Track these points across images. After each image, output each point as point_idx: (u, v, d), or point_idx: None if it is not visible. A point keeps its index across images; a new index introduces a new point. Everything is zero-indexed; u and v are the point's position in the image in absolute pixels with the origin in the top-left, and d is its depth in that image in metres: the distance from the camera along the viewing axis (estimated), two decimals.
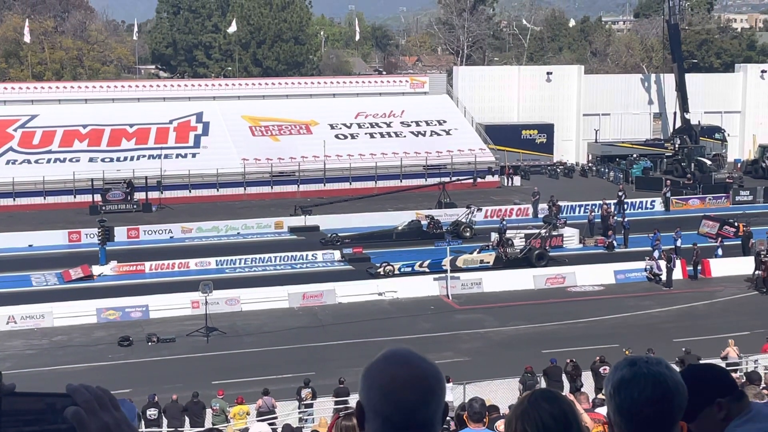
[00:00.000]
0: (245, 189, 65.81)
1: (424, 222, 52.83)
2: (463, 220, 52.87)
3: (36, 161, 64.98)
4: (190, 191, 64.59)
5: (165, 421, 26.68)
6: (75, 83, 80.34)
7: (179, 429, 25.85)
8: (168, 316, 38.71)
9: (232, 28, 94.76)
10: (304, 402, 27.09)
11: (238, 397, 26.98)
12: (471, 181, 65.53)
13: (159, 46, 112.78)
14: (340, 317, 39.01)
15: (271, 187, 66.34)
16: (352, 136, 72.17)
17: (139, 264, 45.87)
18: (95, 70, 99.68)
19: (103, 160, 65.71)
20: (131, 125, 69.34)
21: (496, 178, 70.10)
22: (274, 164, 67.12)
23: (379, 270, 44.20)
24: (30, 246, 50.40)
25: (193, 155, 67.65)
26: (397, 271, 44.10)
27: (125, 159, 65.99)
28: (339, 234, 51.37)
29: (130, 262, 46.09)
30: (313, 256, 48.00)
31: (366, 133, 72.82)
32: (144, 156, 66.47)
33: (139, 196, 61.12)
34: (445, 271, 42.44)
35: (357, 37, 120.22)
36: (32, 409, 2.06)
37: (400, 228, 52.18)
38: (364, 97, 76.58)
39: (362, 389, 2.44)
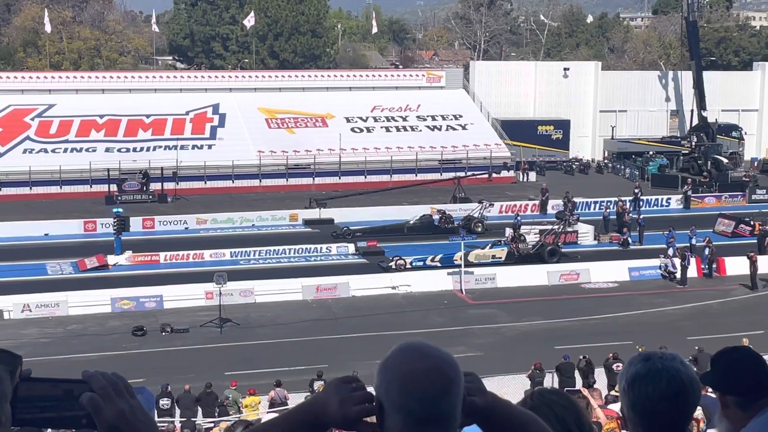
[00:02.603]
0: (260, 181, 65.91)
1: (435, 217, 52.79)
2: (476, 216, 52.79)
3: (53, 150, 65.23)
4: (205, 182, 64.71)
5: (178, 411, 26.77)
6: (92, 73, 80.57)
7: (192, 419, 25.93)
8: (182, 306, 38.84)
9: (250, 22, 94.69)
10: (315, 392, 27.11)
11: (250, 389, 27.04)
12: (486, 176, 65.49)
13: (176, 37, 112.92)
14: (354, 310, 39.07)
15: (287, 180, 66.42)
16: (368, 130, 72.17)
17: (154, 254, 46.02)
18: (113, 60, 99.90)
19: (119, 150, 65.91)
20: (148, 116, 69.49)
21: (512, 173, 70.00)
22: (290, 157, 67.18)
23: (391, 264, 44.21)
24: (46, 235, 50.60)
25: (209, 147, 67.77)
26: (408, 266, 44.09)
27: (141, 149, 66.16)
28: (351, 227, 51.38)
29: (145, 253, 46.25)
30: (327, 248, 48.05)
31: (382, 127, 72.79)
32: (160, 147, 66.63)
33: (155, 186, 61.29)
34: (458, 266, 42.43)
35: (374, 31, 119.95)
36: (49, 395, 2.08)
37: (411, 222, 52.15)
38: (381, 91, 76.51)
39: (380, 384, 2.41)
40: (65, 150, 65.41)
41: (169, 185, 62.13)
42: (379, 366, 2.45)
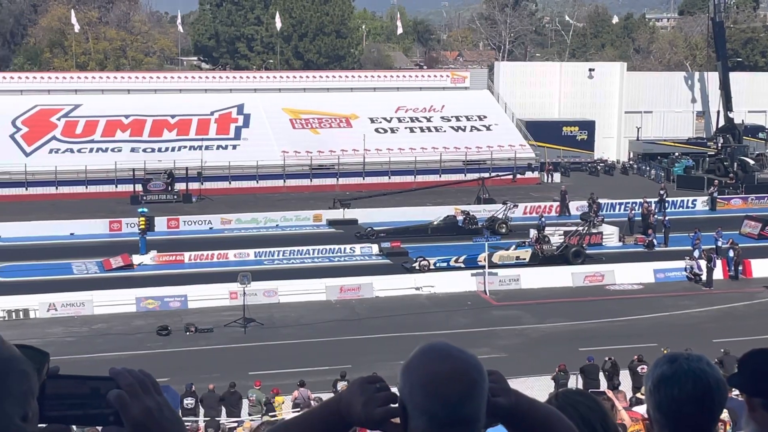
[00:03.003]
0: (284, 181, 66.05)
1: (459, 218, 52.71)
2: (500, 216, 52.66)
3: (79, 150, 65.63)
4: (230, 183, 64.94)
5: (202, 411, 26.86)
6: (118, 74, 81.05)
7: (216, 418, 26.00)
8: (206, 306, 38.96)
9: (278, 24, 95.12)
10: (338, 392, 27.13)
11: (273, 389, 27.09)
12: (510, 177, 65.35)
13: (201, 38, 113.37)
14: (377, 311, 39.07)
15: (311, 180, 66.54)
16: (392, 130, 72.18)
17: (179, 254, 46.19)
18: (138, 61, 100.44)
19: (144, 150, 66.24)
20: (173, 116, 69.81)
21: (536, 174, 69.81)
22: (314, 157, 67.30)
23: (414, 265, 44.20)
24: (72, 234, 50.90)
25: (234, 147, 67.99)
26: (432, 266, 44.06)
27: (166, 150, 66.47)
28: (375, 228, 51.39)
29: (169, 252, 46.43)
30: (351, 249, 48.08)
31: (406, 128, 72.79)
32: (185, 147, 66.91)
33: (180, 186, 61.55)
34: (482, 267, 42.37)
35: (398, 32, 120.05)
36: (76, 392, 2.08)
37: (435, 223, 52.07)
38: (405, 92, 76.51)
39: (403, 387, 2.40)
40: (91, 150, 65.80)
41: (194, 185, 62.39)
42: (402, 368, 2.43)
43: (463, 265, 44.04)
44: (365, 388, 2.40)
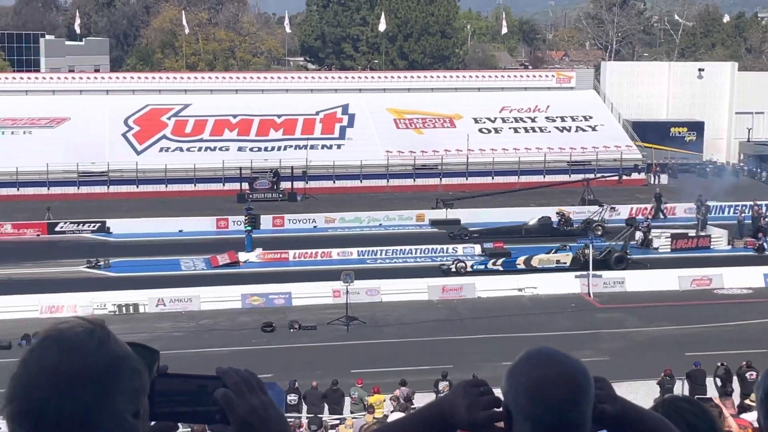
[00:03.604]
0: (388, 181, 66.29)
1: (555, 219, 52.08)
2: (596, 219, 51.88)
3: (188, 149, 66.94)
4: (334, 182, 65.44)
5: (305, 408, 27.15)
6: (226, 74, 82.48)
7: (318, 415, 26.26)
8: (310, 304, 39.33)
9: (382, 26, 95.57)
10: (441, 394, 27.13)
11: (374, 387, 27.21)
12: (616, 178, 64.39)
13: (308, 38, 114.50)
14: (479, 311, 38.93)
15: (414, 180, 66.63)
16: (496, 131, 71.83)
17: (284, 252, 46.75)
18: (246, 61, 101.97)
19: (251, 149, 67.20)
20: (279, 116, 70.66)
21: (642, 175, 68.65)
22: (417, 157, 67.38)
23: (451, 267, 43.81)
24: (180, 231, 51.92)
25: (338, 146, 68.51)
26: (469, 269, 43.70)
27: (272, 149, 67.31)
28: (468, 228, 51.12)
29: (274, 250, 47.01)
30: (453, 249, 47.99)
31: (510, 128, 72.35)
32: (291, 146, 67.67)
33: (285, 185, 62.28)
34: (520, 270, 42.50)
35: (504, 31, 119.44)
36: (184, 390, 2.12)
37: (530, 224, 51.53)
38: (509, 92, 76.02)
39: (508, 391, 2.39)
40: (199, 149, 67.05)
41: (299, 184, 63.05)
42: (507, 371, 2.42)
43: (501, 268, 43.63)
44: (469, 391, 2.40)
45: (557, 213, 52.66)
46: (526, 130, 72.11)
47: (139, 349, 2.11)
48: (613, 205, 54.17)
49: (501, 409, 2.40)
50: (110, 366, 1.99)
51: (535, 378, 2.36)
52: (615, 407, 2.44)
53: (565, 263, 44.37)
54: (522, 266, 43.25)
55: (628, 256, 45.17)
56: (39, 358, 1.96)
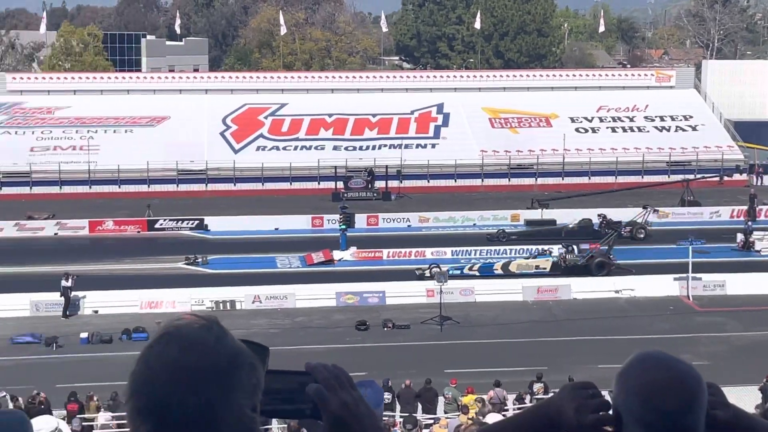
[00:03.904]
0: (482, 180, 66.00)
1: (596, 221, 51.07)
2: (638, 221, 50.90)
3: (284, 148, 67.65)
4: (428, 181, 65.43)
5: (398, 407, 27.18)
6: (322, 73, 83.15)
7: (412, 414, 26.25)
8: (403, 303, 39.38)
9: (478, 24, 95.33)
10: (536, 396, 26.92)
11: (468, 387, 27.09)
12: (717, 179, 63.07)
13: (403, 37, 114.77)
14: (575, 313, 38.49)
15: (509, 179, 66.23)
16: (593, 130, 70.98)
17: (378, 251, 46.89)
18: (342, 60, 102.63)
19: (346, 148, 67.61)
20: (374, 115, 70.93)
21: (744, 176, 67.07)
22: (513, 156, 66.97)
23: (425, 272, 42.55)
24: (276, 229, 52.47)
25: (433, 146, 68.48)
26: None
27: (367, 148, 67.58)
28: (506, 230, 50.53)
29: (368, 249, 47.18)
30: (549, 250, 47.52)
31: (607, 127, 71.43)
32: (385, 145, 67.88)
33: (380, 184, 62.48)
34: (500, 275, 41.92)
35: (601, 29, 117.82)
36: (286, 387, 2.13)
37: (570, 226, 50.63)
38: (607, 91, 75.06)
39: (618, 394, 2.33)
40: (295, 148, 67.70)
41: (393, 183, 63.19)
42: (617, 374, 2.36)
43: (477, 273, 42.55)
44: (577, 394, 2.35)
45: (599, 215, 51.65)
46: (624, 130, 71.10)
47: (251, 345, 2.11)
48: (657, 208, 52.88)
49: (611, 412, 2.34)
50: (230, 361, 2.00)
51: (649, 382, 2.29)
52: (727, 414, 2.36)
53: (544, 269, 43.31)
54: (499, 271, 42.57)
55: (612, 262, 43.61)
56: (159, 354, 1.98)
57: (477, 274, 42.59)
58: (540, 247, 45.71)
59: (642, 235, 49.77)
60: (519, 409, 25.72)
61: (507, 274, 42.37)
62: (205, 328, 2.02)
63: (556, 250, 44.52)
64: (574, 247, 44.50)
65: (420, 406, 27.26)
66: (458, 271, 42.61)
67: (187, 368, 1.95)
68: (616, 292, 40.76)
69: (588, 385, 2.39)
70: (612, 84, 76.53)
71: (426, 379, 27.79)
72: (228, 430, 1.97)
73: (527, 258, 44.26)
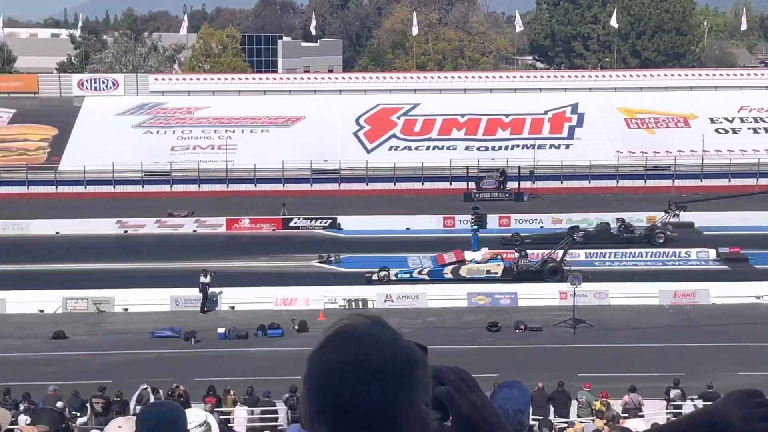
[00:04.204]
0: (617, 182, 64.88)
1: (614, 225, 49.63)
2: (658, 225, 49.11)
3: (416, 148, 67.88)
4: (561, 182, 64.68)
5: (530, 409, 26.88)
6: (455, 73, 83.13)
7: (546, 417, 25.98)
8: (536, 305, 39.05)
9: (614, 23, 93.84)
10: (673, 402, 26.34)
11: (602, 392, 26.67)
12: None
13: (537, 37, 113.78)
14: (714, 318, 37.47)
15: (645, 181, 64.95)
16: (734, 131, 69.00)
17: (509, 252, 46.57)
18: (475, 60, 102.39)
19: (478, 148, 67.43)
20: (507, 115, 70.54)
21: None
22: (649, 158, 65.68)
23: (373, 276, 41.91)
24: (407, 229, 52.71)
25: (566, 146, 67.69)
26: (393, 277, 41.80)
27: (499, 148, 67.27)
28: (520, 234, 49.60)
29: (500, 250, 46.91)
30: (686, 253, 46.47)
31: (749, 128, 69.35)
32: (518, 146, 67.44)
33: (512, 185, 62.08)
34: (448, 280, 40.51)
35: (743, 28, 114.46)
36: None
37: (587, 230, 49.21)
38: (749, 90, 72.91)
39: None
40: (427, 148, 67.85)
41: (526, 184, 62.69)
42: None
43: (427, 277, 41.68)
44: (744, 402, 2.27)
45: (617, 219, 50.25)
46: (767, 131, 68.90)
47: (413, 343, 2.12)
48: (677, 212, 50.88)
49: None
50: (408, 358, 2.02)
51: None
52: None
53: (496, 273, 42.28)
54: (449, 276, 41.56)
55: (565, 267, 42.08)
56: (337, 355, 1.99)
57: (426, 277, 42.11)
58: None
59: (661, 240, 48.22)
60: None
61: (457, 279, 41.59)
62: (378, 327, 2.04)
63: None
64: (527, 252, 43.70)
65: (552, 409, 26.96)
66: (407, 275, 42.32)
67: (370, 367, 1.97)
68: (758, 297, 39.53)
69: (755, 393, 2.30)
70: (754, 83, 74.37)
71: (558, 382, 27.46)
72: (409, 426, 1.99)
73: (479, 262, 43.31)
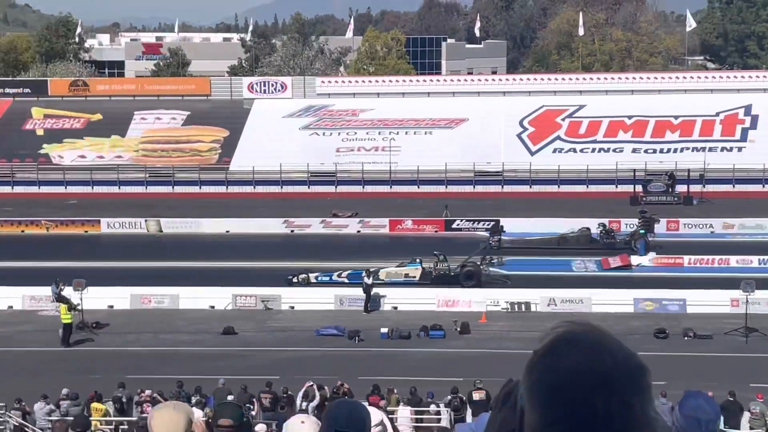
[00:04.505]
0: None
1: (595, 231, 47.85)
2: (641, 231, 47.22)
3: (581, 150, 66.96)
4: (734, 186, 62.56)
5: (720, 420, 26.10)
6: (622, 74, 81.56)
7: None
8: (706, 312, 37.87)
9: None
10: None
11: None
12: None
13: (709, 36, 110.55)
14: None
15: None
16: None
17: (678, 257, 45.42)
18: (643, 61, 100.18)
19: (645, 151, 66.02)
20: (676, 117, 68.81)
21: None
22: None
23: (293, 279, 41.44)
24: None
25: (739, 149, 65.58)
26: (314, 280, 41.26)
27: (668, 151, 65.70)
28: (503, 238, 48.56)
29: (668, 255, 45.80)
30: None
31: None
32: (687, 148, 65.69)
33: (681, 188, 60.43)
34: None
35: None
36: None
37: (569, 235, 47.67)
38: None
39: None
40: (593, 150, 66.84)
41: (695, 187, 60.89)
42: None
43: (346, 281, 40.98)
44: None
45: (599, 224, 48.55)
46: None
47: None
48: (654, 215, 49.23)
49: None
50: (637, 364, 1.96)
51: None
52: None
53: (414, 277, 41.43)
54: (368, 282, 39.78)
55: (484, 273, 41.79)
56: (566, 361, 1.93)
57: (346, 281, 41.71)
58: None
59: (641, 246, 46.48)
60: None
61: (376, 282, 40.26)
62: (599, 333, 1.98)
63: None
64: (446, 256, 42.72)
65: (722, 419, 26.10)
66: (327, 278, 42.03)
67: (604, 373, 1.91)
68: None
69: None
70: None
71: (729, 392, 26.56)
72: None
73: (397, 266, 42.46)
